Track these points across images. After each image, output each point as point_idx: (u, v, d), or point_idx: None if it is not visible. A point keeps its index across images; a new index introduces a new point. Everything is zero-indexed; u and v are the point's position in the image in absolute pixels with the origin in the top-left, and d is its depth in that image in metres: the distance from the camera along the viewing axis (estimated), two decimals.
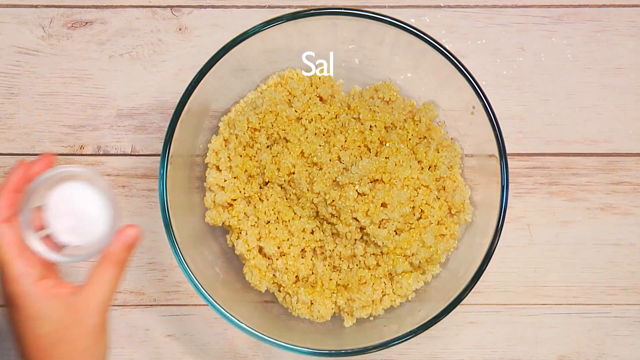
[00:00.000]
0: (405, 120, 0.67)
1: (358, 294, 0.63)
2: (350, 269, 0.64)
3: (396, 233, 0.63)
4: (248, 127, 0.65)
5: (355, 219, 0.61)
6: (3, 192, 0.45)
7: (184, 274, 0.59)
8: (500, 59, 0.72)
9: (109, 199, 0.46)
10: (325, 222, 0.64)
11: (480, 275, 0.59)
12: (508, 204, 0.59)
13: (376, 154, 0.65)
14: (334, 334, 0.65)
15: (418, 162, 0.65)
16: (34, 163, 0.47)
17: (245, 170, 0.64)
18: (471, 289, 0.59)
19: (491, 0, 0.72)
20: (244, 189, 0.65)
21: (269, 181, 0.64)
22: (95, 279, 0.45)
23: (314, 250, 0.65)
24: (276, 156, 0.64)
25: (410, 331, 0.59)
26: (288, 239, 0.64)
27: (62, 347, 0.44)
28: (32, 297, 0.43)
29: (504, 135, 0.60)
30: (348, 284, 0.64)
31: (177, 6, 0.72)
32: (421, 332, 0.59)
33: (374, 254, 0.63)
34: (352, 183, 0.61)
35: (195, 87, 0.60)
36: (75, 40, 0.72)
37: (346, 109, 0.67)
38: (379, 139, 0.65)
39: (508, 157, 0.61)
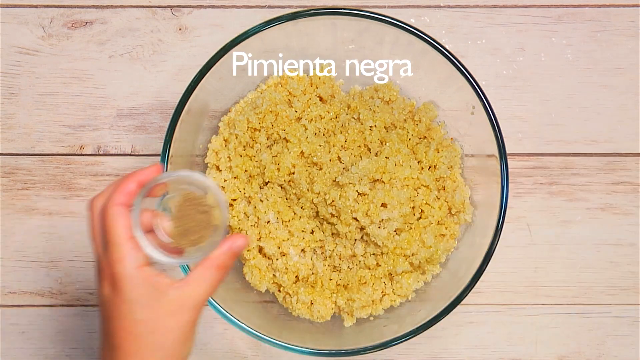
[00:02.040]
0: (405, 120, 0.67)
1: (358, 294, 0.63)
2: (350, 269, 0.64)
3: (396, 233, 0.62)
4: (248, 127, 0.65)
5: (355, 219, 0.61)
6: (130, 179, 0.46)
7: (183, 274, 0.59)
8: (500, 59, 0.72)
9: (222, 206, 0.47)
10: (325, 222, 0.64)
11: (480, 275, 0.59)
12: (508, 204, 0.59)
13: (376, 154, 0.65)
14: (334, 334, 0.65)
15: (418, 162, 0.65)
16: (148, 169, 0.48)
17: (245, 170, 0.64)
18: (471, 289, 0.59)
19: (491, 0, 0.72)
20: (244, 189, 0.65)
21: (269, 181, 0.64)
22: (197, 278, 0.46)
23: (314, 250, 0.65)
24: (276, 156, 0.64)
25: (410, 331, 0.59)
26: (288, 239, 0.64)
27: (154, 337, 0.45)
28: (134, 280, 0.44)
29: (504, 135, 0.60)
30: (348, 284, 0.64)
31: (177, 6, 0.72)
32: (421, 332, 0.59)
33: (374, 254, 0.63)
34: (352, 183, 0.61)
35: (195, 87, 0.60)
36: (75, 40, 0.72)
37: (346, 109, 0.67)
38: (379, 139, 0.65)
39: (508, 157, 0.61)
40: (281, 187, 0.64)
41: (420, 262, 0.63)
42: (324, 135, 0.66)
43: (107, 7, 0.72)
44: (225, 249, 0.47)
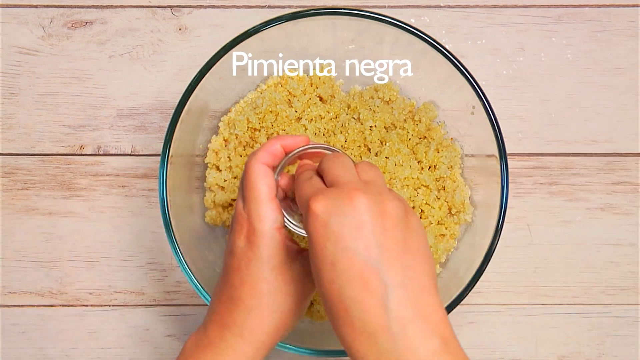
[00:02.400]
0: (405, 120, 0.67)
1: None
2: None
3: None
4: (248, 127, 0.65)
5: None
6: (277, 141, 0.47)
7: (184, 274, 0.59)
8: (500, 59, 0.72)
9: None
10: None
11: (480, 275, 0.59)
12: (508, 204, 0.59)
13: (376, 154, 0.65)
14: (334, 334, 0.65)
15: (418, 162, 0.65)
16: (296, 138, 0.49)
17: None
18: (471, 289, 0.59)
19: (491, 0, 0.72)
20: None
21: None
22: None
23: None
24: None
25: None
26: None
27: (275, 298, 0.46)
28: (272, 240, 0.45)
29: (504, 135, 0.60)
30: None
31: (177, 6, 0.72)
32: None
33: None
34: None
35: (195, 87, 0.60)
36: (75, 40, 0.72)
37: (346, 109, 0.67)
38: (379, 139, 0.65)
39: (508, 157, 0.61)
40: None
41: None
42: (324, 135, 0.66)
43: (107, 7, 0.72)
44: None
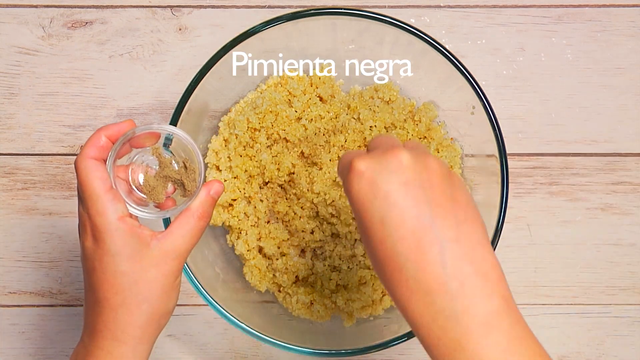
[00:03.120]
0: (405, 120, 0.67)
1: (358, 294, 0.63)
2: (350, 269, 0.64)
3: None
4: (248, 127, 0.65)
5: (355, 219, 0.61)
6: (100, 133, 0.46)
7: (184, 274, 0.59)
8: (500, 59, 0.72)
9: (195, 155, 0.47)
10: (325, 222, 0.64)
11: None
12: (508, 204, 0.59)
13: None
14: (334, 334, 0.65)
15: None
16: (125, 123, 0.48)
17: (245, 170, 0.64)
18: None
19: (491, 0, 0.72)
20: (244, 189, 0.65)
21: (269, 181, 0.64)
22: (179, 229, 0.46)
23: (314, 250, 0.65)
24: (276, 156, 0.64)
25: (410, 331, 0.59)
26: (288, 239, 0.64)
27: (138, 288, 0.45)
28: (117, 231, 0.44)
29: (504, 135, 0.60)
30: (348, 284, 0.64)
31: (177, 6, 0.72)
32: None
33: None
34: None
35: (195, 87, 0.60)
36: (75, 40, 0.72)
37: (346, 109, 0.67)
38: None
39: (508, 157, 0.61)
40: (281, 187, 0.64)
41: None
42: (324, 135, 0.66)
43: (107, 7, 0.72)
44: (203, 197, 0.46)
